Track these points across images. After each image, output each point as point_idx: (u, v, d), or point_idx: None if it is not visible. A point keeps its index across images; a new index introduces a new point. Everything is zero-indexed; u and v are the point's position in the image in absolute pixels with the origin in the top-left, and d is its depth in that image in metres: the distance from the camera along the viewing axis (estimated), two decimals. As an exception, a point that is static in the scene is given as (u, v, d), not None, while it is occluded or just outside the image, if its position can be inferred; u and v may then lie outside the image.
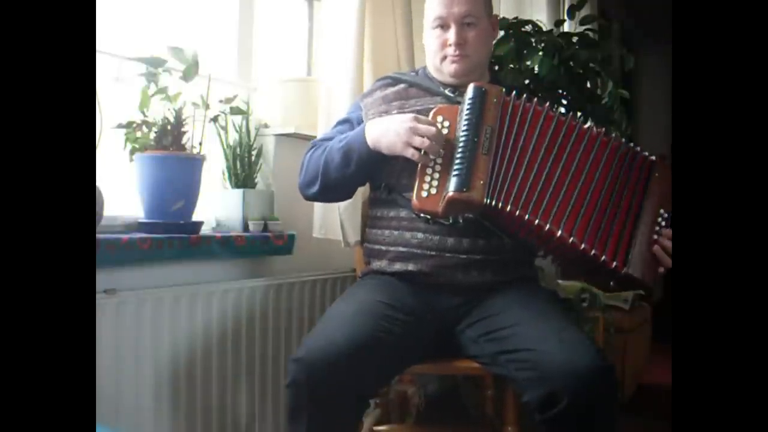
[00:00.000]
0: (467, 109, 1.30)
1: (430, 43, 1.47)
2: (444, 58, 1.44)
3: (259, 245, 1.69)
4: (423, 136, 1.27)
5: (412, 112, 1.37)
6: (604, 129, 1.34)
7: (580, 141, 1.31)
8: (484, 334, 1.32)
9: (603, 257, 1.27)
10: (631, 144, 1.36)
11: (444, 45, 1.43)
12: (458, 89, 1.44)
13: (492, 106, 1.30)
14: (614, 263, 1.27)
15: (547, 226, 1.25)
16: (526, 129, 1.30)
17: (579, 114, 1.92)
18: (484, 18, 1.45)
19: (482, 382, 1.91)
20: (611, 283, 1.33)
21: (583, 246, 1.26)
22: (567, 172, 1.29)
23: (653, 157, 1.35)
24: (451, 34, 1.42)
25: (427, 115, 1.33)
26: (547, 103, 1.33)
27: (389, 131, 1.31)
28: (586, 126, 1.33)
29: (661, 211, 1.32)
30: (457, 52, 1.42)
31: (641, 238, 1.30)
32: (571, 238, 1.26)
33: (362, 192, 1.76)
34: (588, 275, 1.45)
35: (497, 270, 1.38)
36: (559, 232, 1.25)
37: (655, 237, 1.30)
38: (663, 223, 1.31)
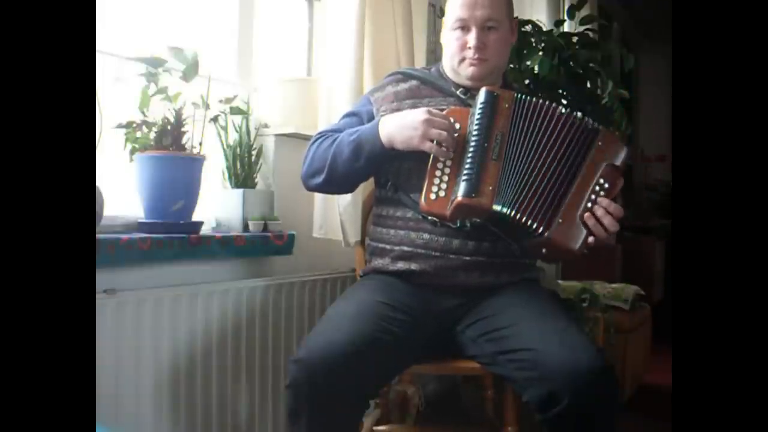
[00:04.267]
0: (479, 114, 1.30)
1: (449, 44, 1.45)
2: (462, 60, 1.43)
3: (259, 245, 1.69)
4: (439, 129, 1.27)
5: None
6: (571, 111, 1.32)
7: (563, 131, 1.30)
8: (484, 333, 1.32)
9: (530, 223, 1.24)
10: (580, 115, 1.33)
11: (463, 47, 1.42)
12: (470, 91, 1.44)
13: (503, 112, 1.30)
14: (540, 229, 1.24)
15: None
16: (536, 135, 1.29)
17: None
18: (505, 21, 1.44)
19: (482, 382, 1.91)
20: (543, 251, 1.29)
21: (515, 215, 1.24)
22: (539, 159, 1.28)
23: (599, 126, 1.33)
24: (472, 37, 1.40)
25: None
26: (556, 105, 1.32)
27: (405, 126, 1.31)
28: (571, 116, 1.32)
29: (601, 181, 1.28)
30: (477, 56, 1.41)
31: (569, 204, 1.26)
32: (503, 210, 1.24)
33: (362, 191, 1.76)
34: (527, 250, 1.42)
35: (500, 272, 1.39)
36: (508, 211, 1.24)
37: (589, 205, 1.27)
38: (601, 193, 1.27)
